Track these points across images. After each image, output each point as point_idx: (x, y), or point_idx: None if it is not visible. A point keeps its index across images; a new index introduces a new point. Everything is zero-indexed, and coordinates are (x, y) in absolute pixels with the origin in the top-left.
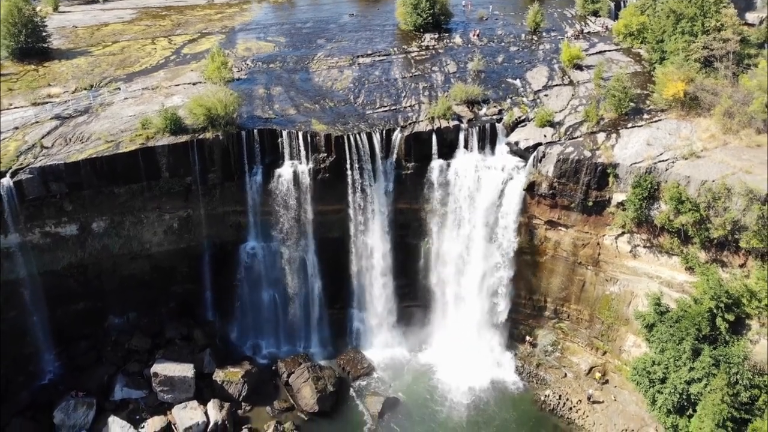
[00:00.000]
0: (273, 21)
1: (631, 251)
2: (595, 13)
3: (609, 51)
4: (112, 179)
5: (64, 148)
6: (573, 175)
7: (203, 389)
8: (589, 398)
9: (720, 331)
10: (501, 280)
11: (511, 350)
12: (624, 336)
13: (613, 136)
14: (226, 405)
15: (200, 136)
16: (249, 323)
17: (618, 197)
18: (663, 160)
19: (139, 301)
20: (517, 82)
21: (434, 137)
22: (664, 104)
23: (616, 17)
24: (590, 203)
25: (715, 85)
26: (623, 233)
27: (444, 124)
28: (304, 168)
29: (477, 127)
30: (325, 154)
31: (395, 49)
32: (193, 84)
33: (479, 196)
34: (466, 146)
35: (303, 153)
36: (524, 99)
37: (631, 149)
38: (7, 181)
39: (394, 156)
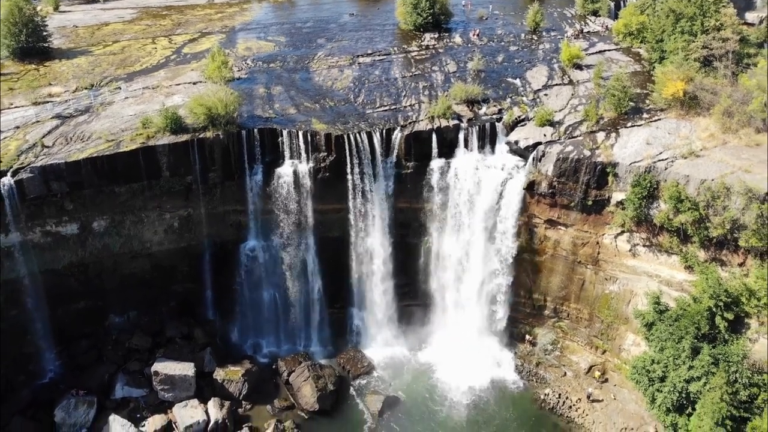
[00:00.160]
0: (273, 20)
1: (630, 250)
2: (595, 13)
3: (609, 50)
4: (112, 178)
5: (64, 148)
6: (572, 174)
7: (204, 388)
8: (588, 397)
9: (719, 329)
10: (500, 287)
11: (510, 349)
12: (623, 335)
13: (613, 135)
14: (227, 403)
15: (201, 136)
16: (249, 322)
17: (617, 196)
18: (662, 159)
19: (139, 300)
20: (517, 81)
21: (434, 136)
22: (664, 103)
23: (615, 17)
24: (590, 202)
25: (715, 85)
26: (623, 232)
27: (444, 123)
28: (305, 167)
29: (477, 127)
30: (326, 154)
31: (395, 48)
32: (194, 83)
33: (479, 197)
34: (466, 145)
35: (303, 152)
36: (524, 98)
37: (630, 148)
38: (8, 180)
39: (394, 155)
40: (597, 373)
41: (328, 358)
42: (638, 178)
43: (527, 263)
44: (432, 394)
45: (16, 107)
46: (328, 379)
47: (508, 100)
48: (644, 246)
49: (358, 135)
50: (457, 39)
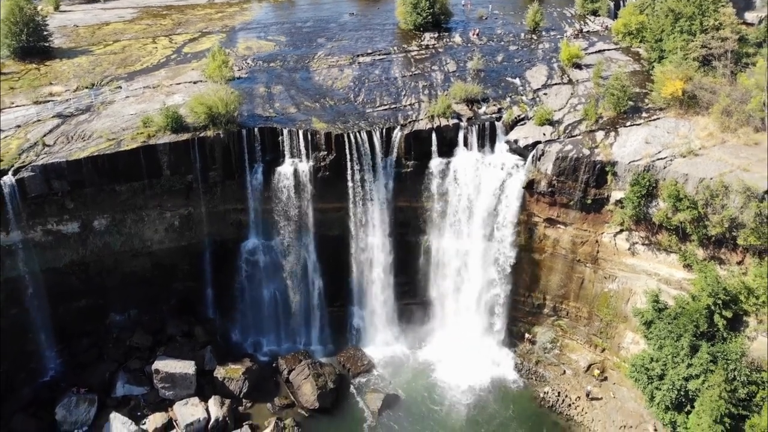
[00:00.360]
0: (273, 20)
1: (629, 249)
2: (595, 13)
3: (608, 50)
4: (113, 177)
5: (65, 146)
6: (572, 173)
7: (204, 386)
8: (587, 395)
9: (718, 327)
10: (496, 299)
11: (510, 347)
12: (622, 333)
13: (612, 134)
14: (227, 401)
15: (201, 135)
16: (250, 320)
17: (616, 195)
18: (661, 158)
19: (140, 299)
20: (517, 80)
21: (434, 135)
22: (663, 103)
23: (615, 16)
24: (589, 201)
25: (714, 84)
26: (622, 231)
27: (444, 122)
28: (305, 166)
29: (476, 126)
30: (326, 153)
31: (395, 48)
32: (194, 83)
33: (479, 196)
34: (465, 144)
35: (303, 151)
36: (523, 98)
37: (629, 147)
38: (9, 178)
39: (394, 154)
40: (596, 372)
41: (328, 356)
42: (637, 177)
43: (526, 262)
44: (432, 393)
45: (17, 106)
46: (328, 378)
47: (508, 99)
48: (643, 244)
49: (358, 134)
50: (457, 38)
